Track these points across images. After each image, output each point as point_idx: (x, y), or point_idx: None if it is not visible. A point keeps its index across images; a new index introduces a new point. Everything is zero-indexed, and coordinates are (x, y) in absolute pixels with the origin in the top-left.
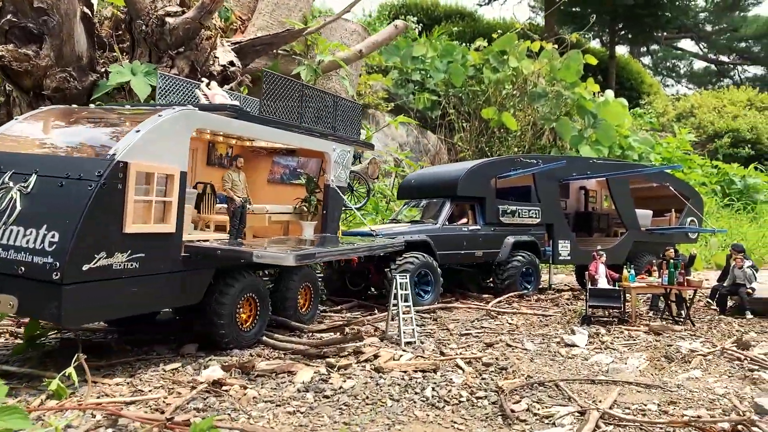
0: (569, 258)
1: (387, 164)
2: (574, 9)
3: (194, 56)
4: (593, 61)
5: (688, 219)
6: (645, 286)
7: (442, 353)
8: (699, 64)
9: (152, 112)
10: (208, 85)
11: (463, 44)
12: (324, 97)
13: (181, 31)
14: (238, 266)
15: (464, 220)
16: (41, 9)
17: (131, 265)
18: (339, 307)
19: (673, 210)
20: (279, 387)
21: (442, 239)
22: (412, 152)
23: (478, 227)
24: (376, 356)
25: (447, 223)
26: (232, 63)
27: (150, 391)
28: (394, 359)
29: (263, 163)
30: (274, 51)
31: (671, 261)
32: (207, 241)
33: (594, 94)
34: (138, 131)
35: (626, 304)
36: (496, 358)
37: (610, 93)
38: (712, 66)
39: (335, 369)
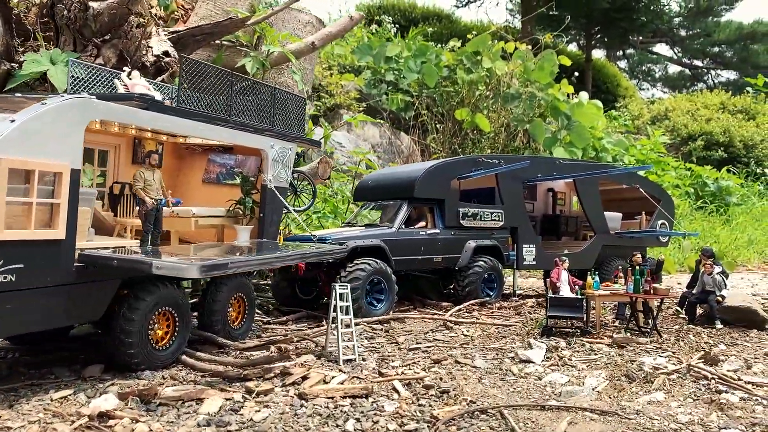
0: (534, 263)
1: (346, 165)
2: (551, 13)
3: (123, 45)
4: (567, 62)
5: (659, 222)
6: (609, 295)
7: (380, 373)
8: (674, 68)
9: (36, 101)
10: (129, 74)
11: (439, 45)
12: (259, 89)
13: (106, 17)
14: (150, 277)
15: (422, 224)
16: None
17: (4, 278)
18: (285, 319)
19: (643, 213)
20: (178, 419)
21: (398, 244)
22: (385, 153)
23: (437, 231)
24: (305, 378)
25: (404, 226)
26: (166, 53)
27: (20, 428)
28: (325, 381)
29: (198, 162)
30: (219, 42)
31: (637, 267)
32: (110, 248)
33: (568, 95)
34: (13, 121)
35: (590, 313)
36: (440, 378)
37: (584, 95)
38: (687, 70)
39: (253, 395)
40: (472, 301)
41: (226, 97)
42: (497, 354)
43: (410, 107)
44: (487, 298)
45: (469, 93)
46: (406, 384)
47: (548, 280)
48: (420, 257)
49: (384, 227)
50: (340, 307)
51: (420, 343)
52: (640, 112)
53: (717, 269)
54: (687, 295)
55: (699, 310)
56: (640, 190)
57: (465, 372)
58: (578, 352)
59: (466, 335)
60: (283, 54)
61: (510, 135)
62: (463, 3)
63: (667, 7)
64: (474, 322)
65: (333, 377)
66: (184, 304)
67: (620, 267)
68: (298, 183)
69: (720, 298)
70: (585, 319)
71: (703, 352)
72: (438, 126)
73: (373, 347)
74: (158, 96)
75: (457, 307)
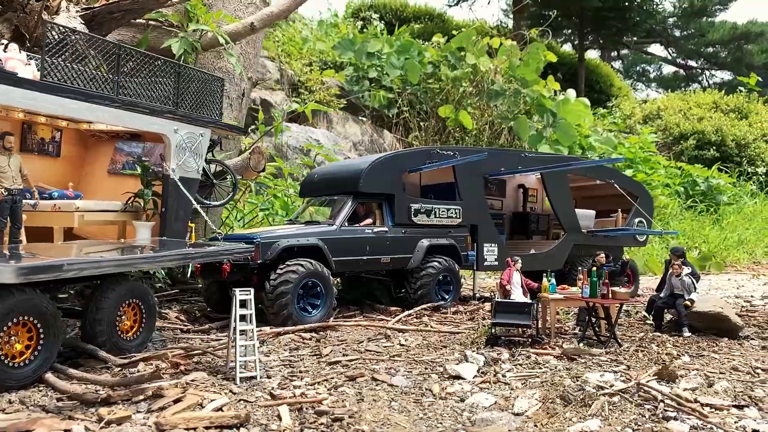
0: (496, 264)
1: (301, 159)
2: (542, 12)
3: (19, 20)
4: (553, 58)
5: (636, 220)
6: (563, 299)
7: (272, 395)
8: (668, 69)
9: None
10: (5, 48)
11: (424, 42)
12: (158, 65)
13: None
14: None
15: (369, 221)
16: None
17: None
18: (208, 327)
19: (619, 210)
20: None
21: (339, 243)
22: (367, 151)
23: (386, 229)
24: (177, 401)
25: (347, 224)
26: (74, 31)
27: None
28: (201, 406)
29: (104, 151)
30: (144, 21)
31: (593, 269)
32: None
33: (555, 92)
34: None
35: (545, 320)
36: (344, 401)
37: (571, 92)
38: (681, 71)
39: (101, 425)
40: (424, 306)
41: (113, 71)
42: (426, 368)
43: (393, 104)
44: (442, 302)
45: (452, 90)
46: (297, 409)
47: (497, 283)
48: (365, 258)
49: (325, 225)
50: (242, 315)
51: (347, 355)
52: (632, 111)
53: (686, 270)
54: (655, 300)
55: (668, 316)
56: (615, 185)
57: (378, 392)
58: (520, 365)
59: (402, 345)
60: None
61: (494, 133)
62: (455, 2)
63: (660, 6)
64: (418, 329)
65: (212, 401)
66: (51, 313)
67: (581, 269)
68: (214, 171)
69: (688, 303)
70: (537, 326)
71: (660, 366)
72: (421, 124)
73: (290, 361)
74: (33, 72)
75: (407, 313)
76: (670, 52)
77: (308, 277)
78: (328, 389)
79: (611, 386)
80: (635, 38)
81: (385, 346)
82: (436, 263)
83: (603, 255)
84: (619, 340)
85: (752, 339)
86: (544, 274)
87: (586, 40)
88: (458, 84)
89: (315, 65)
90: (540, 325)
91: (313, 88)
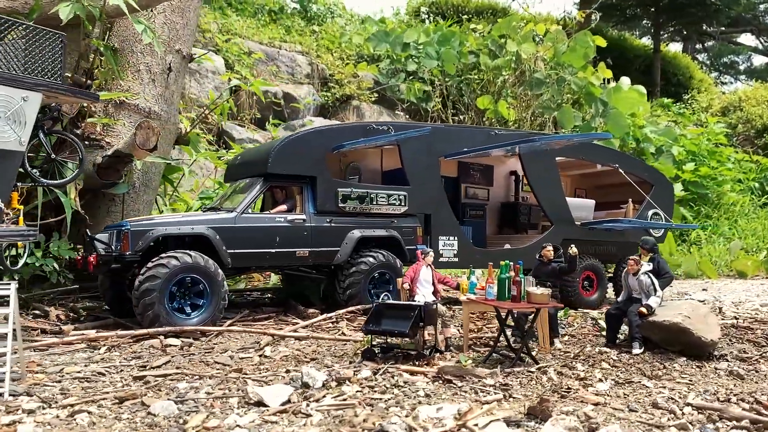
0: (456, 260)
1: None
2: (613, 1)
3: None
4: (602, 43)
5: (650, 212)
6: (477, 302)
7: None
8: (759, 59)
9: None
10: None
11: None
12: None
13: None
14: None
15: (282, 208)
16: None
17: None
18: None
19: (630, 201)
20: None
21: (236, 233)
22: None
23: (303, 217)
24: None
25: (250, 210)
26: None
27: None
28: None
29: None
30: None
31: (502, 263)
32: None
33: (605, 80)
34: None
35: (444, 328)
36: None
37: (625, 80)
38: None
39: None
40: (354, 308)
41: None
42: (236, 390)
43: (430, 97)
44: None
45: (492, 80)
46: None
47: (399, 280)
48: (273, 250)
49: (223, 212)
50: (4, 315)
51: (181, 368)
52: (710, 103)
53: (644, 267)
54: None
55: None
56: (620, 171)
57: (117, 421)
58: (369, 389)
59: (267, 357)
60: (129, 4)
61: (536, 124)
62: None
63: None
64: (309, 336)
65: None
66: None
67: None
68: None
69: (644, 309)
70: (415, 336)
71: (537, 398)
72: (461, 117)
73: (100, 374)
74: None
75: (324, 316)
76: (762, 41)
77: (184, 272)
78: (67, 415)
79: (441, 424)
80: (722, 28)
81: (241, 358)
82: (370, 258)
83: (550, 248)
84: (535, 357)
85: (727, 360)
86: (465, 272)
87: (664, 31)
88: (498, 73)
89: (351, 59)
90: (445, 335)
91: (343, 81)
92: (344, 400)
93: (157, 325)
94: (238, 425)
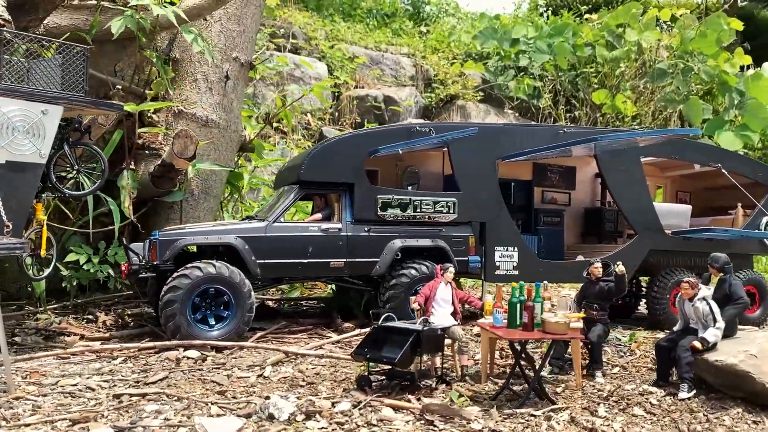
0: (516, 273)
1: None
2: None
3: None
4: (738, 26)
5: (765, 219)
6: (483, 328)
7: None
8: None
9: None
10: None
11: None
12: None
13: None
14: None
15: (317, 216)
16: None
17: None
18: (110, 335)
19: (739, 206)
20: None
21: (266, 242)
22: None
23: (338, 226)
24: None
25: (282, 219)
26: None
27: None
28: None
29: None
30: (94, 2)
31: (514, 286)
32: None
33: (744, 67)
34: None
35: (460, 355)
36: None
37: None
38: None
39: None
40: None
41: None
42: (188, 420)
43: (541, 93)
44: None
45: (609, 73)
46: None
47: (412, 298)
48: (305, 261)
49: (256, 221)
50: None
51: (172, 386)
52: None
53: (703, 291)
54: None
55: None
56: (723, 171)
57: None
58: (338, 425)
59: (264, 378)
60: (178, 15)
61: (658, 119)
62: None
63: None
64: (324, 355)
65: None
66: None
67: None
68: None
69: (698, 344)
70: (418, 364)
71: None
72: (575, 113)
73: (89, 389)
74: None
75: (357, 331)
76: None
77: (207, 282)
78: None
79: None
80: None
81: (239, 377)
82: (412, 270)
83: (598, 264)
84: (551, 396)
85: None
86: (488, 291)
87: None
88: (616, 65)
89: (459, 58)
90: (461, 362)
91: (447, 81)
92: None
93: (178, 337)
94: None
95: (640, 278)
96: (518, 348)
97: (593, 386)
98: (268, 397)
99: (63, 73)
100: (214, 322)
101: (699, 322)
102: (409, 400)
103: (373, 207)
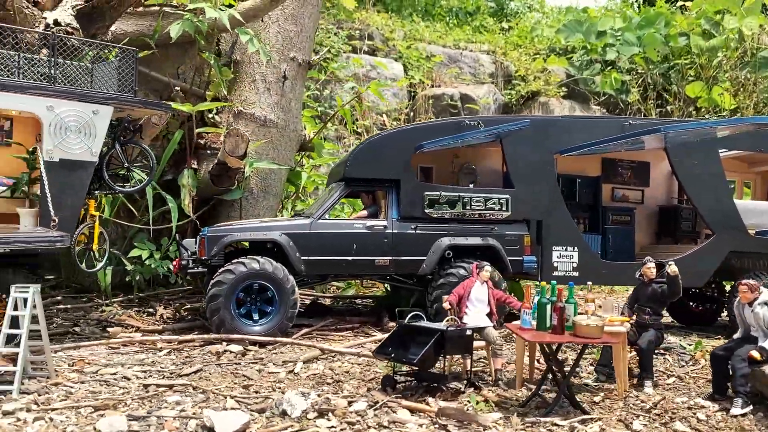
0: (575, 275)
1: None
2: None
3: (1, 17)
4: None
5: None
6: (511, 329)
7: None
8: None
9: None
10: None
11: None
12: (25, 38)
13: None
14: None
15: (363, 213)
16: None
17: None
18: (163, 327)
19: None
20: None
21: (310, 239)
22: None
23: (383, 223)
24: None
25: (327, 216)
26: (56, 22)
27: None
28: None
29: None
30: (158, 7)
31: (543, 287)
32: None
33: None
34: None
35: (494, 358)
36: None
37: None
38: None
39: None
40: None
41: None
42: (200, 412)
43: (629, 87)
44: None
45: (706, 64)
46: None
47: (445, 297)
48: (350, 258)
49: (302, 217)
50: (15, 317)
51: (204, 378)
52: None
53: (765, 295)
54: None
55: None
56: None
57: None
58: (348, 425)
59: (294, 374)
60: (233, 16)
61: (763, 112)
62: None
63: None
64: (359, 354)
65: None
66: None
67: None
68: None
69: (756, 354)
70: (469, 366)
71: None
72: (667, 108)
73: (125, 378)
74: None
75: None
76: None
77: (251, 278)
78: (33, 419)
79: None
80: None
81: (270, 372)
82: (461, 269)
83: (651, 265)
84: (586, 405)
85: None
86: (535, 287)
87: None
88: (714, 55)
89: (542, 54)
90: (495, 366)
91: (528, 77)
92: None
93: (222, 330)
94: None
95: (723, 283)
96: (552, 351)
97: (638, 396)
98: (284, 393)
99: (118, 76)
100: (257, 317)
101: (760, 329)
102: (428, 403)
103: (420, 204)
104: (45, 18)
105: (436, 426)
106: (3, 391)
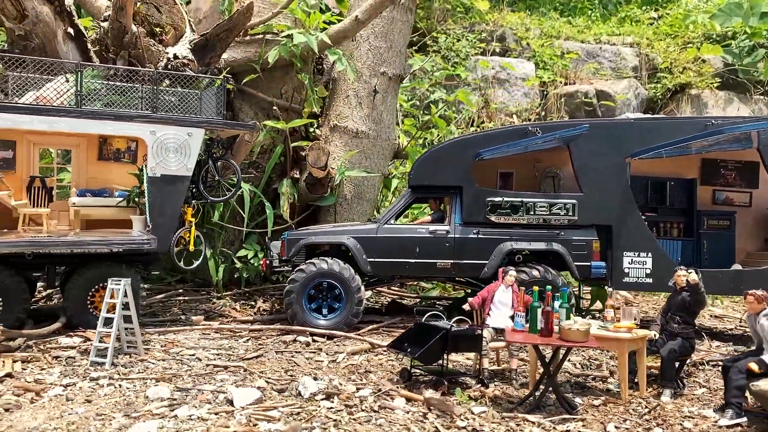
0: (650, 281)
1: None
2: None
3: (133, 55)
4: None
5: None
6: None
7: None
8: None
9: None
10: None
11: None
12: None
13: (109, 32)
14: None
15: (427, 218)
16: (22, 35)
17: None
18: (252, 318)
19: None
20: None
21: (376, 243)
22: None
23: (446, 228)
24: None
25: (393, 221)
26: (176, 56)
27: None
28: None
29: None
30: (261, 36)
31: (535, 290)
32: None
33: None
34: None
35: (510, 358)
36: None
37: None
38: None
39: None
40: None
41: (74, 84)
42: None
43: None
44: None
45: None
46: None
47: (470, 300)
48: (413, 260)
49: (371, 223)
50: (114, 305)
51: (262, 360)
52: None
53: None
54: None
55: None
56: None
57: (117, 398)
58: (345, 407)
59: (335, 362)
60: (322, 40)
61: None
62: None
63: None
64: None
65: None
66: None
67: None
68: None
69: (754, 366)
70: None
71: None
72: None
73: (197, 359)
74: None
75: None
76: None
77: (320, 277)
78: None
79: None
80: None
81: (316, 361)
82: (522, 274)
83: (681, 272)
84: (567, 406)
85: None
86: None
87: None
88: None
89: (695, 42)
90: (511, 365)
91: (676, 69)
92: (299, 413)
93: (295, 322)
94: (175, 415)
95: None
96: (555, 353)
97: (641, 402)
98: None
99: (216, 101)
100: (326, 312)
101: (765, 341)
102: (423, 394)
103: (482, 209)
104: (167, 53)
105: (420, 414)
106: (99, 362)
